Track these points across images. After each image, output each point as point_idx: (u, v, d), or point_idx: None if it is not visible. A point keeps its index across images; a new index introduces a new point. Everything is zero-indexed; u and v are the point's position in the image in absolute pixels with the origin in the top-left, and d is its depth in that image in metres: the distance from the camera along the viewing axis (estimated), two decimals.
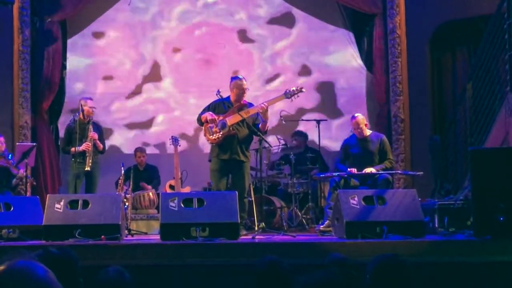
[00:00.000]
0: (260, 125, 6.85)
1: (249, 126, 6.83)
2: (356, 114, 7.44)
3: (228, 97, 7.03)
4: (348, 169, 7.10)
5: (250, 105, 7.00)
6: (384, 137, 7.46)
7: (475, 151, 6.10)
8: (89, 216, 5.89)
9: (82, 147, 7.50)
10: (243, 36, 10.16)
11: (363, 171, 7.08)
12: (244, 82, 7.01)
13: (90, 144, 7.53)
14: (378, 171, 7.08)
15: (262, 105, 6.76)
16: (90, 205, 5.98)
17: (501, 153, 6.08)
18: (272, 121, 8.29)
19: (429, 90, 9.10)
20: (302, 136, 9.24)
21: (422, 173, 7.40)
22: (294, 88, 6.97)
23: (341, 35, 9.99)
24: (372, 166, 7.14)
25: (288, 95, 6.92)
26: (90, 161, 7.47)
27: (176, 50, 10.15)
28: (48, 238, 5.76)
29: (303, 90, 7.00)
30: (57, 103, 9.62)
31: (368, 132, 7.39)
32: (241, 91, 6.95)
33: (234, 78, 7.10)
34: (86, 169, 7.43)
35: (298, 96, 7.00)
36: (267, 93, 9.32)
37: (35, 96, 9.16)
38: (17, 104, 8.99)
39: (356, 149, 7.31)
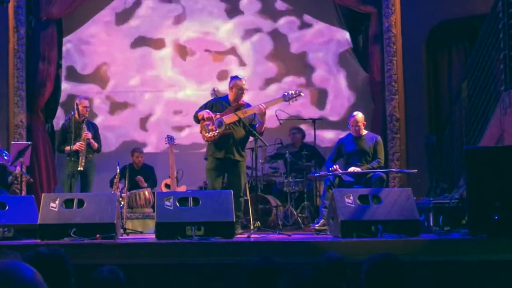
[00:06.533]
0: (257, 126, 6.85)
1: (245, 126, 6.83)
2: (355, 113, 7.55)
3: (227, 96, 7.03)
4: (330, 168, 7.14)
5: (248, 105, 7.00)
6: (379, 138, 7.53)
7: (470, 150, 6.11)
8: (84, 215, 5.89)
9: (75, 147, 7.49)
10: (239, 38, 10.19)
11: (348, 170, 7.13)
12: (244, 82, 7.01)
13: (83, 143, 7.52)
14: (363, 170, 7.14)
15: (260, 106, 6.77)
16: (85, 204, 5.97)
17: (496, 152, 6.10)
18: (271, 121, 8.29)
19: (424, 89, 9.11)
20: (300, 131, 9.26)
21: (416, 170, 7.41)
22: (292, 92, 6.96)
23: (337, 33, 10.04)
24: (363, 164, 7.20)
25: (287, 98, 6.92)
26: (83, 160, 7.47)
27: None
28: (43, 237, 5.75)
29: (301, 94, 7.00)
30: (53, 101, 9.60)
31: (364, 132, 7.45)
32: (240, 91, 6.95)
33: (234, 77, 7.09)
34: (79, 169, 7.43)
35: (296, 100, 7.00)
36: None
37: (30, 95, 9.14)
38: (13, 103, 8.97)
39: (350, 147, 7.36)
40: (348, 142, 7.42)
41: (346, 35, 9.97)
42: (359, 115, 7.44)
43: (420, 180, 8.00)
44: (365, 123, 7.52)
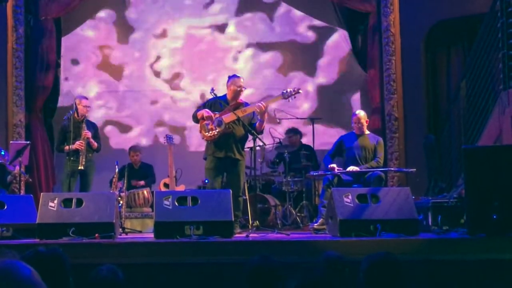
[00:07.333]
0: (256, 125, 6.86)
1: (244, 125, 6.84)
2: (357, 111, 7.64)
3: (225, 95, 7.04)
4: (329, 166, 7.15)
5: (246, 104, 7.01)
6: (381, 140, 7.59)
7: (468, 149, 6.11)
8: (83, 215, 5.87)
9: (75, 146, 7.49)
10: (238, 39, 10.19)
11: (347, 169, 7.14)
12: (242, 81, 7.03)
13: (83, 142, 7.52)
14: (362, 169, 7.16)
15: (260, 105, 6.78)
16: (84, 204, 5.96)
17: (494, 151, 6.09)
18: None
19: (423, 88, 9.12)
20: (296, 133, 9.25)
21: (414, 169, 7.42)
22: (291, 89, 6.99)
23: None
24: (362, 162, 7.22)
25: (286, 95, 6.93)
26: (84, 159, 7.46)
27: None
28: (42, 236, 5.74)
29: (300, 91, 7.02)
30: (52, 101, 9.59)
31: (367, 131, 7.48)
32: (238, 89, 6.96)
33: (232, 76, 7.11)
34: (79, 168, 7.43)
35: (295, 97, 7.02)
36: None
37: (29, 94, 9.14)
38: (11, 103, 8.97)
39: (351, 143, 7.39)
40: (350, 139, 7.46)
41: (345, 34, 9.96)
42: (361, 113, 7.50)
43: (419, 179, 8.01)
44: (368, 120, 7.55)
